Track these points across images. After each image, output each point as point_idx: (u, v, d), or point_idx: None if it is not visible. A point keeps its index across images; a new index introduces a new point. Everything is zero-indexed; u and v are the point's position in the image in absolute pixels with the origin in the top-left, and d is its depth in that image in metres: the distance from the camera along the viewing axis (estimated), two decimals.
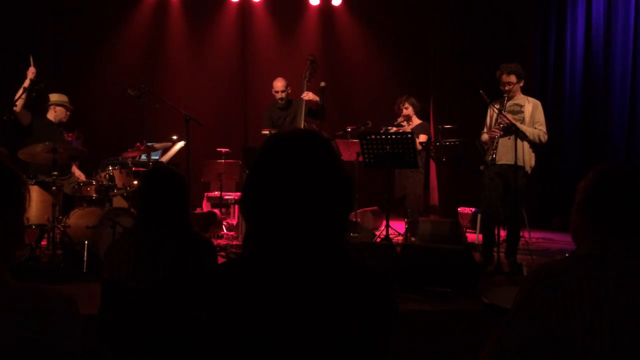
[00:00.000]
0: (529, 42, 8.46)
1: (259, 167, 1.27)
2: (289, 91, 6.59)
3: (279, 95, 6.53)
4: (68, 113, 5.84)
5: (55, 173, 4.94)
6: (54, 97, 5.82)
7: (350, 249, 1.27)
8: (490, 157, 5.22)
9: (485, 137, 5.43)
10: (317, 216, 1.22)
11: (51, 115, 5.75)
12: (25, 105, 5.48)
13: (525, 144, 5.17)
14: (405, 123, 6.39)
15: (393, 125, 6.30)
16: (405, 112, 6.43)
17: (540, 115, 5.25)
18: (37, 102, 5.80)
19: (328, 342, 1.17)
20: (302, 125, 6.28)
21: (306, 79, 6.36)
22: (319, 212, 1.22)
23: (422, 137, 6.20)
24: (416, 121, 6.44)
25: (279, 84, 6.56)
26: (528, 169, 5.23)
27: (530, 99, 5.35)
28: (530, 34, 8.47)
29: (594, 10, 8.17)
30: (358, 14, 9.70)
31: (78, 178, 5.90)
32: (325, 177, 1.24)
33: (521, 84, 5.30)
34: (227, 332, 1.19)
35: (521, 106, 5.27)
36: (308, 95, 6.28)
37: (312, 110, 6.37)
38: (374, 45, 9.69)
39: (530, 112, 5.24)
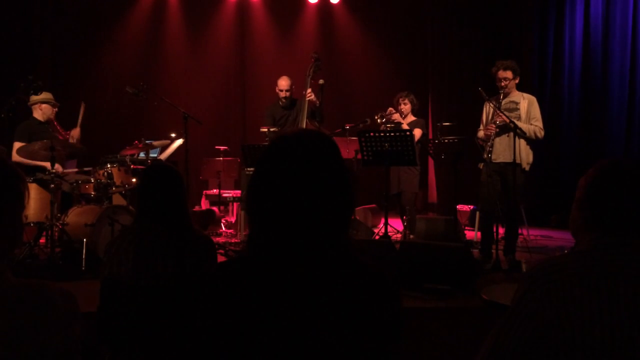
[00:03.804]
0: (528, 39, 8.46)
1: (264, 166, 1.27)
2: (293, 90, 6.56)
3: (282, 94, 6.48)
4: (55, 110, 5.82)
5: (54, 171, 4.93)
6: (37, 96, 5.74)
7: (354, 248, 1.27)
8: (486, 155, 5.24)
9: (481, 134, 5.45)
10: (321, 215, 1.22)
11: (37, 114, 5.72)
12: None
13: (522, 140, 5.19)
14: (397, 118, 6.24)
15: (385, 117, 6.22)
16: (403, 107, 6.36)
17: (536, 111, 5.27)
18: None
19: (331, 342, 1.17)
20: (305, 125, 6.27)
21: (310, 77, 6.32)
22: (324, 211, 1.23)
23: (417, 132, 6.15)
24: (411, 118, 6.40)
25: (283, 83, 6.49)
26: (525, 165, 5.24)
27: (525, 95, 5.37)
28: (529, 31, 8.47)
29: (592, 8, 8.17)
30: (356, 11, 9.69)
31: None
32: (330, 177, 1.25)
33: (516, 81, 5.32)
34: (228, 329, 1.19)
35: (517, 103, 5.29)
36: (311, 94, 6.23)
37: (313, 112, 6.35)
38: (373, 42, 9.68)
39: (526, 108, 5.26)
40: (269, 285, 1.21)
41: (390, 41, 9.59)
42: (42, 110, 5.73)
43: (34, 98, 5.73)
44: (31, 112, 5.79)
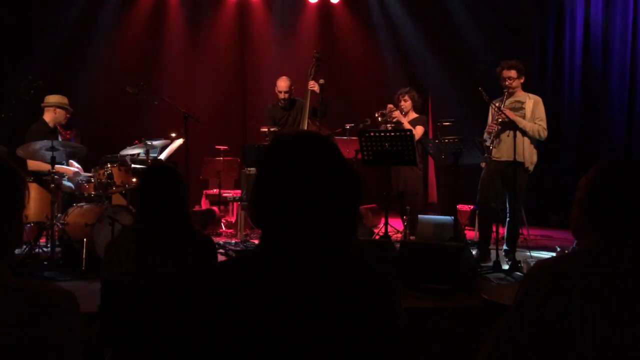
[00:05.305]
0: (528, 40, 8.46)
1: (267, 170, 1.27)
2: (293, 90, 6.55)
3: (281, 96, 6.46)
4: (68, 116, 5.73)
5: (54, 170, 4.93)
6: (54, 98, 5.65)
7: (355, 249, 1.27)
8: (486, 153, 5.27)
9: (486, 135, 5.48)
10: (325, 216, 1.22)
11: (49, 117, 5.59)
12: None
13: (526, 140, 5.19)
14: (397, 115, 6.24)
15: (385, 115, 6.22)
16: (403, 104, 6.32)
17: (541, 112, 5.28)
18: (35, 101, 5.75)
19: (331, 341, 1.18)
20: (306, 126, 6.27)
21: (311, 76, 6.32)
22: (328, 212, 1.22)
23: (419, 129, 6.15)
24: (412, 115, 6.38)
25: (282, 84, 6.45)
26: (529, 165, 5.24)
27: (531, 95, 5.38)
28: (529, 32, 8.48)
29: (592, 8, 8.17)
30: (356, 11, 9.68)
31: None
32: (333, 177, 1.24)
33: (522, 80, 5.33)
34: (229, 329, 1.19)
35: (522, 103, 5.30)
36: (314, 85, 6.22)
37: (315, 109, 6.34)
38: (373, 42, 9.67)
39: (531, 108, 5.27)
40: (270, 285, 1.21)
41: (391, 41, 9.57)
42: (56, 114, 5.60)
43: (49, 100, 5.65)
44: (38, 113, 5.72)
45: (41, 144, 4.95)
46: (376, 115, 6.23)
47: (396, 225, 6.71)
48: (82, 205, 5.30)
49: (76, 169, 5.60)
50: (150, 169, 2.64)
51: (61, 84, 7.62)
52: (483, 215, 5.44)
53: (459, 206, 6.81)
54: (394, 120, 6.23)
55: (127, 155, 5.87)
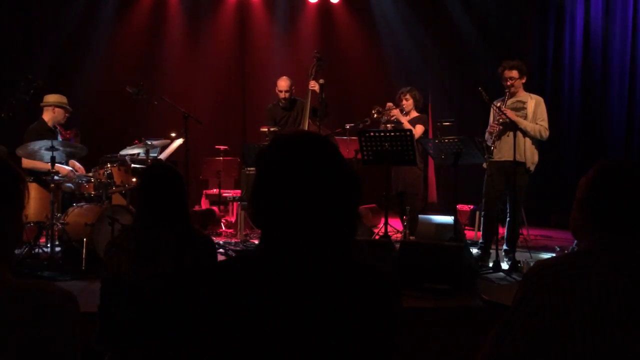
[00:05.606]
0: (528, 39, 8.47)
1: (266, 170, 1.27)
2: (293, 90, 6.55)
3: (282, 95, 6.46)
4: (67, 115, 5.72)
5: (54, 170, 4.92)
6: (52, 97, 5.65)
7: (355, 249, 1.27)
8: (487, 153, 5.28)
9: (487, 135, 5.49)
10: (325, 216, 1.22)
11: (48, 116, 5.59)
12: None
13: (528, 140, 5.20)
14: (396, 114, 6.23)
15: (382, 112, 6.21)
16: (404, 103, 6.31)
17: (543, 112, 5.29)
18: (34, 101, 5.75)
19: (333, 341, 1.18)
20: (307, 126, 6.27)
21: (312, 76, 6.32)
22: (328, 212, 1.22)
23: (419, 128, 6.15)
24: (414, 114, 6.37)
25: (283, 84, 6.45)
26: (530, 165, 5.24)
27: (533, 95, 5.39)
28: (529, 32, 8.48)
29: (592, 8, 8.18)
30: (356, 11, 9.68)
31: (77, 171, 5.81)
32: (332, 178, 1.24)
33: (523, 81, 5.34)
34: (229, 328, 1.19)
35: (524, 102, 5.31)
36: (314, 86, 6.22)
37: (315, 109, 6.34)
38: (373, 42, 9.67)
39: (533, 108, 5.28)
40: (269, 285, 1.20)
41: (390, 40, 9.57)
42: (55, 113, 5.59)
43: (48, 99, 5.63)
44: (37, 113, 5.71)
45: (41, 144, 4.94)
46: (373, 112, 6.22)
47: (396, 225, 6.71)
48: (82, 205, 5.30)
49: (70, 168, 5.59)
50: (150, 168, 2.64)
51: (61, 84, 7.63)
52: (487, 217, 5.43)
53: (459, 206, 6.81)
54: (393, 118, 6.22)
55: (127, 155, 5.87)
